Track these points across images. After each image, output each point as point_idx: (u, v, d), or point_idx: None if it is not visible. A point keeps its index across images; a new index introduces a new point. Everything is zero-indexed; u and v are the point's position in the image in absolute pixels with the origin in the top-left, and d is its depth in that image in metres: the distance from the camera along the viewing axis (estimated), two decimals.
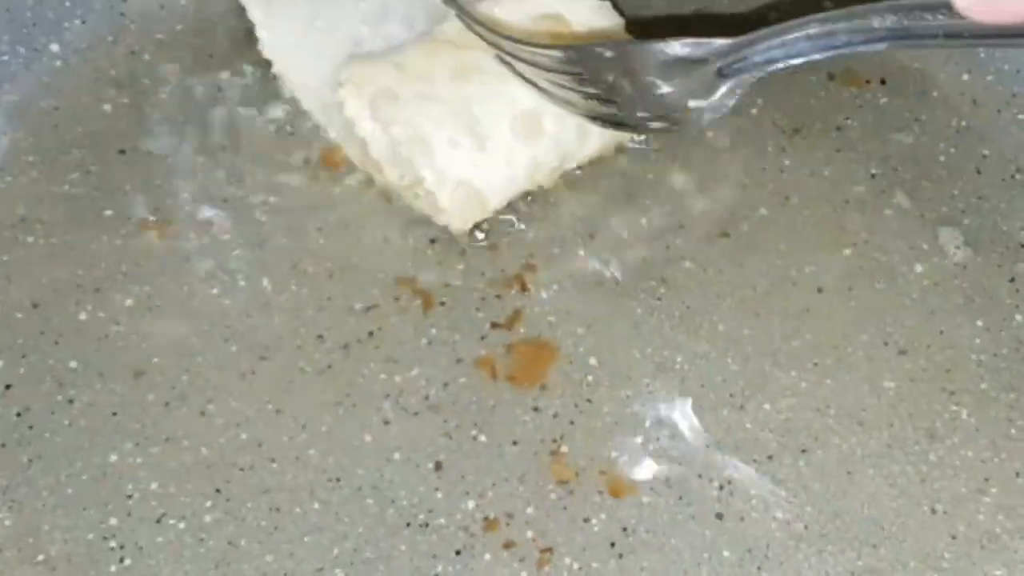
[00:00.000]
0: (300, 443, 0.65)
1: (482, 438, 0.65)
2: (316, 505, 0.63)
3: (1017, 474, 0.65)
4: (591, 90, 0.65)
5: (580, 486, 0.64)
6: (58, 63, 0.79)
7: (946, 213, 0.75)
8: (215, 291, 0.70)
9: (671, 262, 0.72)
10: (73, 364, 0.67)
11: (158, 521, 0.62)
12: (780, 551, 0.62)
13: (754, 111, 0.79)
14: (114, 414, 0.66)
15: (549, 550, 0.62)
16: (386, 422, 0.66)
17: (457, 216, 0.69)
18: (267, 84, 0.79)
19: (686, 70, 0.60)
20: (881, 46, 0.54)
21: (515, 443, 0.65)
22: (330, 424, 0.66)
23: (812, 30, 0.55)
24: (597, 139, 0.71)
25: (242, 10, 0.76)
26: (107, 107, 0.78)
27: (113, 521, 0.62)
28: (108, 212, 0.73)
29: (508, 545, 0.62)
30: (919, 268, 0.72)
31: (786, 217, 0.74)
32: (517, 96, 0.68)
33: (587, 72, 0.64)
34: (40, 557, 0.61)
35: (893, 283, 0.72)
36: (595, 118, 0.66)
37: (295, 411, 0.66)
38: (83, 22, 0.80)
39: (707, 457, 0.65)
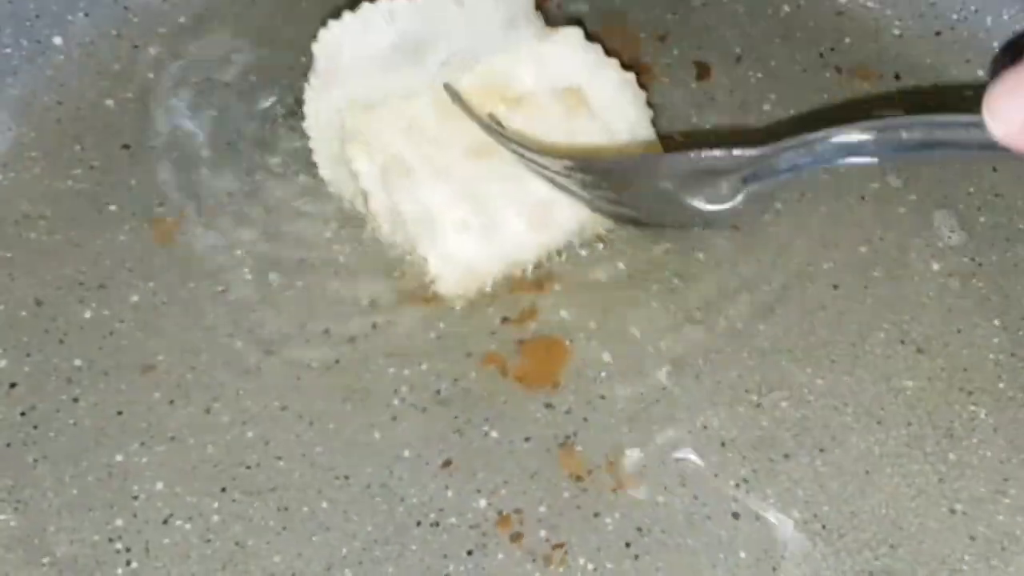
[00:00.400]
0: (307, 441, 0.64)
1: (493, 434, 0.64)
2: (324, 504, 0.62)
3: None
4: (608, 195, 0.64)
5: (593, 484, 0.63)
6: (61, 57, 0.79)
7: (963, 210, 0.74)
8: (220, 288, 0.69)
9: (685, 257, 0.71)
10: (78, 362, 0.66)
11: (165, 522, 0.61)
12: (797, 551, 0.61)
13: (767, 107, 0.78)
14: (119, 413, 0.65)
15: (563, 548, 0.61)
16: (395, 419, 0.65)
17: (452, 292, 0.68)
18: (267, 75, 0.78)
19: (708, 179, 0.60)
20: (910, 155, 0.54)
21: (527, 440, 0.64)
22: (338, 421, 0.65)
23: (839, 139, 0.55)
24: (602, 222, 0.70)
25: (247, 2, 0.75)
26: (110, 102, 0.77)
27: (119, 522, 0.61)
28: (112, 208, 0.72)
29: (521, 544, 0.61)
30: (936, 266, 0.72)
31: (801, 213, 0.73)
32: (532, 185, 0.66)
33: (604, 181, 0.63)
34: (46, 559, 0.60)
35: (910, 281, 0.71)
36: (611, 215, 0.67)
37: (302, 408, 0.65)
38: (86, 15, 0.80)
39: (723, 455, 0.64)
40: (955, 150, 0.52)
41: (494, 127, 0.65)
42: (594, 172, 0.63)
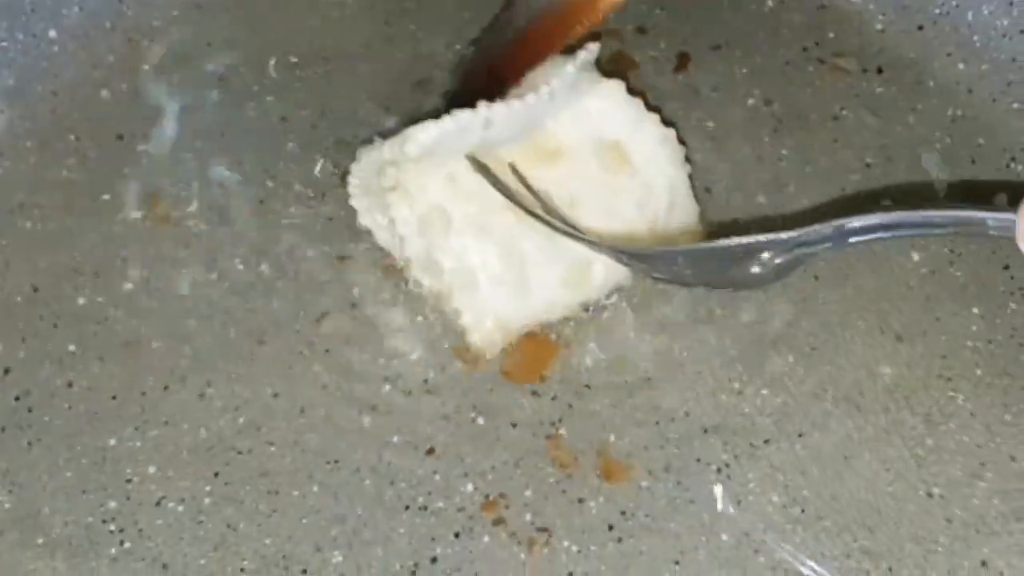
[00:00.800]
0: (298, 426, 0.65)
1: (480, 421, 0.66)
2: (315, 488, 0.63)
3: (1012, 458, 0.65)
4: (642, 267, 0.65)
5: (578, 470, 0.64)
6: (56, 49, 0.79)
7: (941, 201, 0.75)
8: (214, 276, 0.70)
9: None
10: (72, 348, 0.67)
11: (157, 504, 0.62)
12: (777, 534, 0.62)
13: (751, 101, 0.79)
14: (113, 398, 0.66)
15: (548, 532, 0.62)
16: (384, 405, 0.66)
17: (483, 345, 0.67)
18: (260, 66, 0.79)
19: (744, 258, 0.61)
20: (940, 232, 0.56)
21: (513, 426, 0.65)
22: (328, 408, 0.66)
23: (868, 222, 0.57)
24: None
25: None
26: (104, 93, 0.78)
27: (112, 504, 0.62)
28: (106, 197, 0.73)
29: (506, 528, 0.62)
30: (915, 256, 0.73)
31: (782, 206, 0.74)
32: (570, 243, 0.64)
33: (648, 265, 0.64)
34: (40, 540, 0.61)
35: (890, 271, 0.72)
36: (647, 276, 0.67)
37: (293, 395, 0.66)
38: (81, 9, 0.80)
39: (705, 441, 0.65)
40: (981, 237, 0.58)
41: (518, 199, 0.64)
42: (625, 254, 0.63)
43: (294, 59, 0.81)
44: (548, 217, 0.63)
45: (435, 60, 0.81)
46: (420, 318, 0.69)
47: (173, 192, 0.74)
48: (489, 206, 0.64)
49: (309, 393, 0.66)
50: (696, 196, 0.71)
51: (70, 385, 0.66)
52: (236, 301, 0.69)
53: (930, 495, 0.64)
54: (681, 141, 0.69)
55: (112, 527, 0.62)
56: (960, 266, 0.72)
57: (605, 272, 0.67)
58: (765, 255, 0.60)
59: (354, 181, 0.68)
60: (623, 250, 0.63)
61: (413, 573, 0.61)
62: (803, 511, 0.63)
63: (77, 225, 0.72)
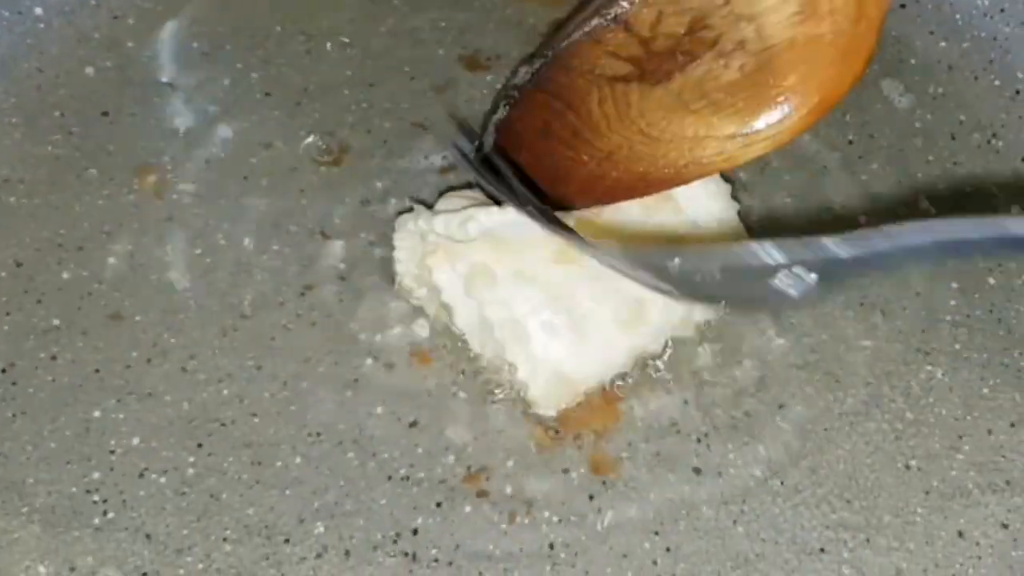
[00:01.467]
0: (281, 399, 0.65)
1: (462, 395, 0.66)
2: (297, 459, 0.63)
3: (989, 431, 0.66)
4: (681, 283, 0.59)
5: (559, 441, 0.64)
6: (41, 26, 0.80)
7: (922, 179, 0.76)
8: (198, 250, 0.71)
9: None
10: (56, 321, 0.68)
11: (140, 475, 0.63)
12: (756, 505, 0.63)
13: None
14: (97, 370, 0.66)
15: (528, 503, 0.62)
16: (367, 378, 0.66)
17: (544, 404, 0.64)
18: (243, 43, 0.79)
19: (782, 267, 0.55)
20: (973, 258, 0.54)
21: (495, 399, 0.65)
22: (311, 380, 0.66)
23: (933, 231, 0.51)
24: (701, 314, 0.68)
25: None
26: (90, 70, 0.78)
27: (96, 475, 0.63)
28: (91, 172, 0.74)
29: (488, 498, 0.62)
30: None
31: (764, 184, 0.75)
32: (622, 284, 0.61)
33: (679, 273, 0.58)
34: (24, 509, 0.61)
35: None
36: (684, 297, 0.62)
37: (276, 367, 0.66)
38: None
39: (685, 412, 0.65)
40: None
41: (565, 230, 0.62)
42: (645, 268, 0.59)
43: (278, 35, 0.81)
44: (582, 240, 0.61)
45: (419, 36, 0.81)
46: (405, 301, 0.70)
47: (157, 167, 0.74)
48: (533, 259, 0.63)
49: (292, 365, 0.67)
50: (750, 232, 0.70)
51: (54, 358, 0.66)
52: (220, 274, 0.70)
53: (908, 467, 0.65)
54: (725, 179, 0.68)
55: (96, 497, 0.62)
56: None
57: (660, 311, 0.64)
58: (798, 268, 0.54)
59: (400, 255, 0.68)
60: (645, 257, 0.59)
61: (395, 543, 0.61)
62: (782, 483, 0.64)
63: (62, 200, 0.72)
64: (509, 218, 0.63)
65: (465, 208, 0.64)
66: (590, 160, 0.63)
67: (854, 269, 0.53)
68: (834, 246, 0.53)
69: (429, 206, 0.68)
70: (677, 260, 0.57)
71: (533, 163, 0.66)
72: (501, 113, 0.67)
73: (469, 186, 0.70)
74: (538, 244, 0.63)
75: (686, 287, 0.58)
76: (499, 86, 0.79)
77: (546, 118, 0.64)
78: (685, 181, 0.62)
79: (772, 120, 0.58)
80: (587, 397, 0.65)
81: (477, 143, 0.64)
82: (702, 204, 0.67)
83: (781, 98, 0.58)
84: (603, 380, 0.66)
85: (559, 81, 0.63)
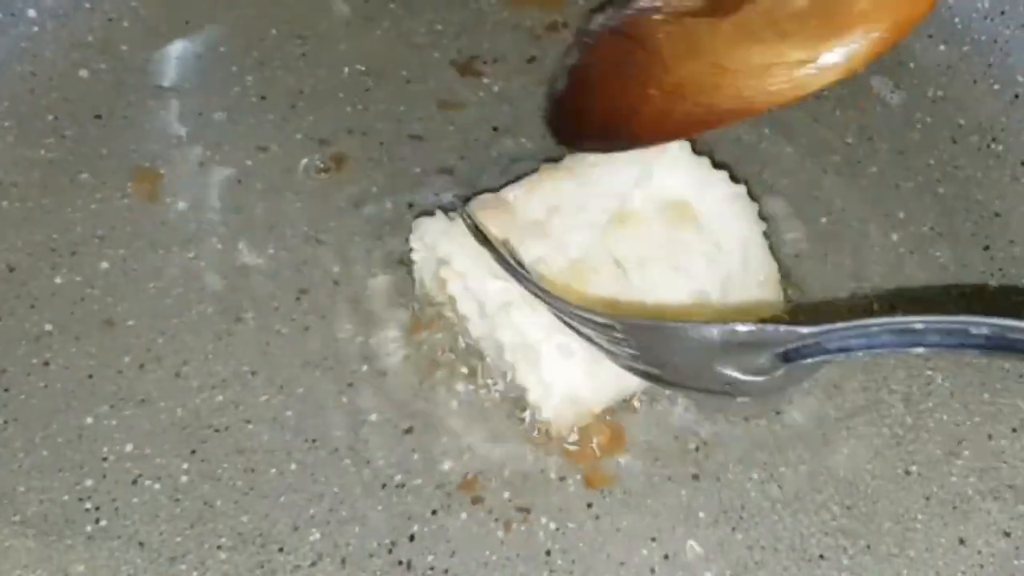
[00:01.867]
0: (276, 404, 0.65)
1: (458, 400, 0.65)
2: (292, 466, 0.63)
3: (989, 437, 0.65)
4: (631, 353, 0.59)
5: (556, 447, 0.64)
6: (35, 29, 0.79)
7: (922, 182, 0.75)
8: (191, 255, 0.70)
9: None
10: (48, 327, 0.67)
11: (134, 482, 0.62)
12: (755, 512, 0.62)
13: None
14: (90, 376, 0.65)
15: (526, 510, 0.62)
16: (363, 384, 0.66)
17: (558, 424, 0.63)
18: (239, 45, 0.79)
19: (745, 351, 0.54)
20: (973, 352, 0.49)
21: (492, 405, 0.65)
22: (306, 386, 0.66)
23: (900, 326, 0.50)
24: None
25: None
26: (84, 73, 0.78)
27: (89, 482, 0.62)
28: (84, 176, 0.73)
29: (484, 505, 0.62)
30: (895, 236, 0.73)
31: (764, 185, 0.74)
32: (637, 301, 0.62)
33: (629, 338, 0.58)
34: (16, 518, 0.61)
35: (870, 250, 0.72)
36: (632, 371, 0.61)
37: (271, 373, 0.66)
38: None
39: (683, 419, 0.65)
40: (1018, 355, 0.48)
41: (511, 262, 0.61)
42: (619, 329, 0.58)
43: (273, 38, 0.80)
44: (533, 285, 0.60)
45: (415, 40, 0.81)
46: (401, 301, 0.69)
47: (151, 171, 0.73)
48: (549, 285, 0.62)
49: (287, 371, 0.66)
50: (777, 256, 0.68)
51: (47, 364, 0.66)
52: (213, 279, 0.69)
53: (908, 473, 0.64)
54: (753, 197, 0.67)
55: (88, 505, 0.61)
56: (940, 246, 0.72)
57: None
58: (772, 349, 0.53)
59: (416, 258, 0.67)
60: (614, 322, 0.57)
61: (390, 551, 0.61)
62: (781, 488, 0.63)
63: (55, 204, 0.72)
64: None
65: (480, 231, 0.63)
66: (659, 94, 0.63)
67: (822, 358, 0.53)
68: (809, 337, 0.52)
69: (446, 210, 0.67)
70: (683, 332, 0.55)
71: (605, 103, 0.67)
72: (575, 58, 0.68)
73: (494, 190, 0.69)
74: (550, 263, 0.62)
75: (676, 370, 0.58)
76: (496, 89, 0.79)
77: (617, 58, 0.65)
78: (754, 112, 0.61)
79: (842, 47, 0.57)
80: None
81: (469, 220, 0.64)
82: (726, 223, 0.65)
83: (852, 24, 0.57)
84: (616, 401, 0.65)
85: (630, 21, 0.64)
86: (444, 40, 0.82)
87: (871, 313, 0.69)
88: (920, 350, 0.50)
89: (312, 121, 0.76)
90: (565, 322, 0.60)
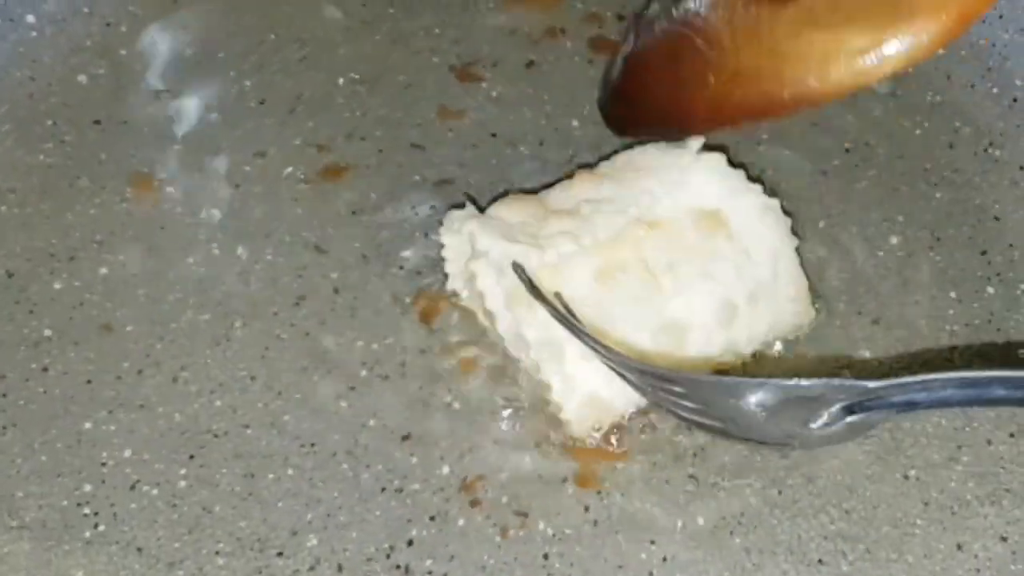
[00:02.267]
0: (275, 409, 0.65)
1: (456, 405, 0.65)
2: (290, 471, 0.63)
3: (988, 442, 0.65)
4: (693, 407, 0.58)
5: (555, 451, 0.64)
6: (34, 34, 0.79)
7: (920, 186, 0.76)
8: (190, 260, 0.70)
9: None
10: (47, 332, 0.67)
11: (132, 487, 0.62)
12: (754, 516, 0.62)
13: None
14: (88, 381, 0.65)
15: (523, 515, 0.62)
16: (360, 389, 0.66)
17: (579, 424, 0.63)
18: (236, 51, 0.79)
19: (812, 405, 0.53)
20: None
21: (490, 410, 0.65)
22: (305, 391, 0.66)
23: (966, 380, 0.50)
24: (747, 346, 0.66)
25: None
26: (82, 78, 0.78)
27: (87, 488, 0.62)
28: (83, 181, 0.73)
29: (483, 510, 0.62)
30: (893, 240, 0.73)
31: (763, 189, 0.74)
32: (662, 306, 0.62)
33: (700, 398, 0.57)
34: (14, 523, 0.61)
35: (868, 255, 0.72)
36: (696, 425, 0.60)
37: (270, 378, 0.66)
38: None
39: (681, 424, 0.65)
40: None
41: (569, 319, 0.60)
42: (679, 383, 0.56)
43: (271, 42, 0.80)
44: (592, 340, 0.59)
45: (414, 44, 0.81)
46: (399, 308, 0.69)
47: (150, 176, 0.73)
48: (576, 284, 0.62)
49: (286, 376, 0.66)
50: (807, 272, 0.68)
51: (45, 370, 0.66)
52: (212, 284, 0.69)
53: (907, 478, 0.64)
54: (787, 213, 0.67)
55: (87, 510, 0.61)
56: (939, 250, 0.72)
57: (699, 340, 0.63)
58: (834, 405, 0.52)
59: (448, 254, 0.67)
60: (671, 378, 0.57)
61: (389, 556, 0.61)
62: (779, 493, 0.63)
63: (53, 209, 0.72)
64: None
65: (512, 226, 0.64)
66: (716, 81, 0.63)
67: (886, 414, 0.52)
68: (873, 390, 0.51)
69: (479, 207, 0.67)
70: (750, 394, 0.54)
71: (661, 90, 0.67)
72: (631, 46, 0.68)
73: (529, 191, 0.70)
74: (581, 263, 0.62)
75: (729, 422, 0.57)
76: (495, 95, 0.79)
77: (674, 45, 0.65)
78: (813, 102, 0.61)
79: (906, 36, 0.57)
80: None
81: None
82: (757, 234, 0.65)
83: (918, 13, 0.56)
84: (640, 405, 0.64)
85: (688, 7, 0.63)
86: (443, 45, 0.82)
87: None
88: (983, 405, 0.50)
89: (311, 126, 0.77)
90: (622, 375, 0.59)
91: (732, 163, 0.67)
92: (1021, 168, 0.76)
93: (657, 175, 0.66)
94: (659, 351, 0.62)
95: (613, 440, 0.64)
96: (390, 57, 0.80)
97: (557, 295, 0.61)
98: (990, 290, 0.71)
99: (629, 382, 0.59)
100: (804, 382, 0.52)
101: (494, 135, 0.77)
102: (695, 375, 0.58)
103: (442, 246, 0.67)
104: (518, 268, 0.61)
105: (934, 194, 0.75)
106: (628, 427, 0.65)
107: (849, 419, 0.53)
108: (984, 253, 0.72)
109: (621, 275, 0.62)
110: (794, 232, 0.67)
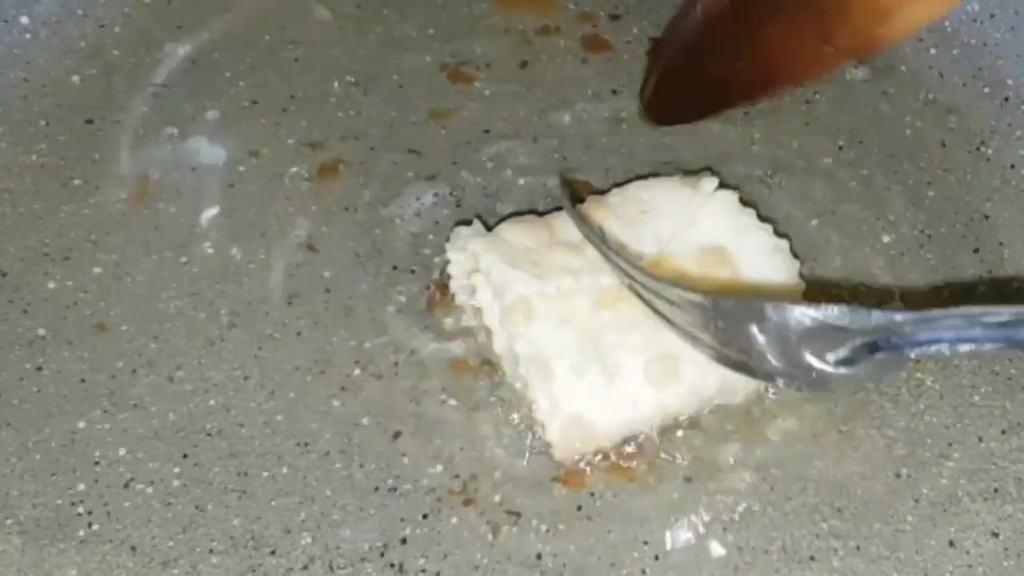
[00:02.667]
0: (268, 409, 0.65)
1: (449, 404, 0.65)
2: (284, 470, 0.63)
3: (980, 439, 0.66)
4: (722, 336, 0.56)
5: (547, 449, 0.64)
6: (27, 35, 0.80)
7: (912, 184, 0.76)
8: (184, 259, 0.70)
9: None
10: (41, 332, 0.67)
11: (126, 486, 0.62)
12: (746, 514, 0.63)
13: None
14: (82, 381, 0.66)
15: (516, 513, 0.62)
16: (354, 388, 0.66)
17: (562, 448, 0.62)
18: (229, 51, 0.79)
19: (835, 336, 0.51)
20: None
21: (482, 409, 0.65)
22: (298, 390, 0.66)
23: (996, 319, 0.47)
24: (742, 394, 0.65)
25: None
26: (75, 78, 0.78)
27: (81, 486, 0.62)
28: (76, 181, 0.73)
29: (475, 509, 0.62)
30: (886, 238, 0.73)
31: (755, 189, 0.74)
32: (657, 335, 0.61)
33: (724, 323, 0.56)
34: (9, 522, 0.61)
35: (860, 253, 0.72)
36: (721, 360, 0.58)
37: (263, 377, 0.66)
38: None
39: (675, 422, 0.65)
40: None
41: (601, 244, 0.61)
42: (708, 305, 0.55)
43: (265, 43, 0.81)
44: (626, 263, 0.60)
45: (407, 44, 0.81)
46: (392, 307, 0.69)
47: (143, 176, 0.74)
48: (574, 302, 0.62)
49: (279, 376, 0.66)
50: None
51: (39, 369, 0.66)
52: (206, 284, 0.69)
53: (898, 475, 0.64)
54: (795, 255, 0.66)
55: (81, 509, 0.61)
56: (930, 248, 0.73)
57: (696, 372, 0.62)
58: (863, 337, 0.50)
59: (453, 270, 0.67)
60: (707, 299, 0.55)
61: (382, 554, 0.61)
62: (772, 490, 0.63)
63: (47, 210, 0.72)
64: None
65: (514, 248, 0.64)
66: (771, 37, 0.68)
67: (909, 350, 0.50)
68: (900, 323, 0.49)
69: (486, 225, 0.68)
70: (769, 312, 0.52)
71: (717, 59, 0.70)
72: (687, 34, 0.71)
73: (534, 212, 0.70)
74: (582, 288, 0.62)
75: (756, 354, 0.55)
76: (488, 94, 0.79)
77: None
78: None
79: None
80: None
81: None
82: (761, 274, 0.64)
83: None
84: (626, 435, 0.63)
85: None
86: (436, 45, 0.82)
87: None
88: (1011, 346, 0.48)
89: (304, 126, 0.77)
90: (652, 306, 0.59)
91: (744, 202, 0.67)
92: (1012, 166, 0.76)
93: (667, 217, 0.65)
94: (651, 376, 0.61)
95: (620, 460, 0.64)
96: (383, 57, 0.81)
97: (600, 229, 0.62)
98: (981, 288, 0.71)
99: (659, 315, 0.59)
100: (831, 308, 0.50)
101: (487, 133, 0.77)
102: (718, 294, 0.56)
103: (447, 261, 0.67)
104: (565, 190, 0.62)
105: (926, 192, 0.75)
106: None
107: (872, 356, 0.51)
108: (976, 251, 0.73)
109: (620, 303, 0.62)
110: (801, 276, 0.66)
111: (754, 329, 0.53)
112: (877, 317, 0.49)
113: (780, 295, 0.63)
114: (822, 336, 0.51)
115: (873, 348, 0.50)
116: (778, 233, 0.66)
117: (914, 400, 0.67)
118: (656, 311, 0.59)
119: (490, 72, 0.81)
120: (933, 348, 0.49)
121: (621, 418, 0.62)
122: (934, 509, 0.63)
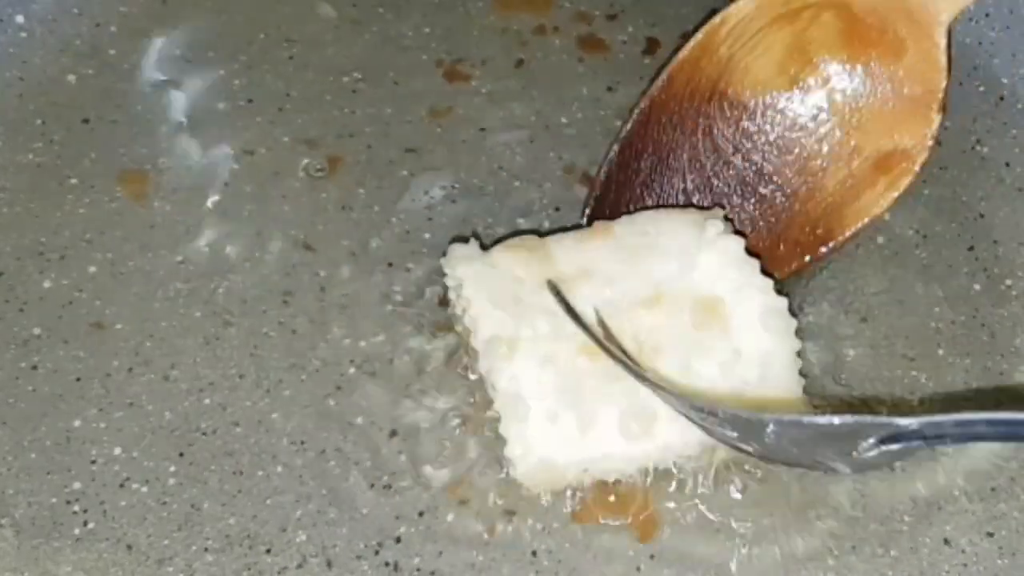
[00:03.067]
0: (263, 407, 0.65)
1: (444, 403, 0.65)
2: (279, 468, 0.63)
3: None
4: (729, 435, 0.57)
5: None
6: (23, 34, 0.80)
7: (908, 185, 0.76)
8: (179, 258, 0.70)
9: None
10: (37, 330, 0.67)
11: (121, 485, 0.62)
12: (741, 513, 0.63)
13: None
14: (77, 380, 0.66)
15: (511, 512, 0.62)
16: (350, 386, 0.66)
17: (529, 482, 0.61)
18: (224, 49, 0.79)
19: (844, 439, 0.52)
20: None
21: (478, 407, 0.65)
22: (294, 389, 0.66)
23: (1001, 420, 0.49)
24: (722, 455, 0.63)
25: None
26: (71, 78, 0.78)
27: (77, 485, 0.62)
28: (72, 181, 0.73)
29: (471, 507, 0.62)
30: (880, 239, 0.73)
31: None
32: (637, 388, 0.59)
33: (731, 429, 0.56)
34: (4, 520, 0.61)
35: (854, 253, 0.72)
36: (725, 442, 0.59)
37: (259, 376, 0.66)
38: None
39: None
40: None
41: (601, 339, 0.60)
42: (720, 416, 0.55)
43: (261, 41, 0.81)
44: (619, 354, 0.59)
45: (403, 43, 0.81)
46: (388, 306, 0.69)
47: (139, 174, 0.74)
48: (560, 345, 0.60)
49: (274, 374, 0.66)
50: (804, 373, 0.64)
51: (35, 368, 0.66)
52: (201, 283, 0.69)
53: (893, 473, 0.64)
54: (793, 313, 0.64)
55: (76, 508, 0.61)
56: (925, 247, 0.73)
57: (672, 429, 0.60)
58: (872, 437, 0.51)
59: (450, 284, 0.66)
60: (699, 406, 0.56)
61: (377, 553, 0.61)
62: (766, 488, 0.63)
63: (43, 208, 0.72)
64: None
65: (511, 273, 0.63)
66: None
67: (918, 445, 0.51)
68: (905, 427, 0.50)
69: (484, 244, 0.66)
70: (771, 427, 0.53)
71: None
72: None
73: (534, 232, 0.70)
74: (570, 330, 0.60)
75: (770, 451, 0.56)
76: (484, 92, 0.79)
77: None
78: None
79: None
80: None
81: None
82: (754, 334, 0.62)
83: None
84: (591, 479, 0.62)
85: None
86: (432, 43, 0.82)
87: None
88: (1016, 441, 0.50)
89: (300, 124, 0.77)
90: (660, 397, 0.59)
91: (750, 252, 0.65)
92: (1007, 165, 0.76)
93: (669, 255, 0.64)
94: (625, 430, 0.60)
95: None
96: (380, 56, 0.81)
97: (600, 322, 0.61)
98: (976, 287, 0.71)
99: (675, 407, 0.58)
100: (835, 419, 0.50)
101: (483, 132, 0.77)
102: (734, 410, 0.55)
103: (442, 272, 0.66)
104: (553, 288, 0.61)
105: (921, 191, 0.75)
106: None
107: (883, 448, 0.51)
108: (971, 249, 0.73)
109: (600, 356, 0.60)
110: (798, 334, 0.64)
111: (762, 434, 0.54)
112: (885, 424, 0.50)
113: (780, 405, 0.62)
114: (833, 439, 0.52)
115: (880, 442, 0.51)
116: (780, 292, 0.64)
117: (908, 398, 0.67)
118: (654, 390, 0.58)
119: (487, 71, 0.81)
120: (938, 444, 0.51)
121: (590, 466, 0.60)
122: (929, 508, 0.63)
